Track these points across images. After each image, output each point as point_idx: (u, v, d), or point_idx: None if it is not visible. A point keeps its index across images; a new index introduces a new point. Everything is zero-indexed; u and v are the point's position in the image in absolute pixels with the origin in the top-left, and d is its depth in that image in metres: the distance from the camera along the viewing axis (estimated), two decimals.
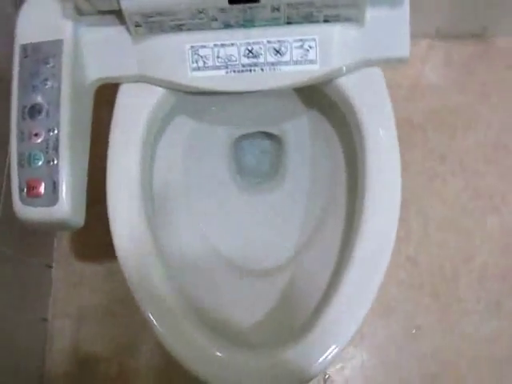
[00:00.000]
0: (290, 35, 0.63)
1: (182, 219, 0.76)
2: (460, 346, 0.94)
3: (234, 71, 0.64)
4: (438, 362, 0.93)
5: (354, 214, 0.64)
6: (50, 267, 1.02)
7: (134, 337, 0.98)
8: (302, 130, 0.80)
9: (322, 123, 0.78)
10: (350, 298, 0.60)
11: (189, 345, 0.60)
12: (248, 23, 0.63)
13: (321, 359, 0.58)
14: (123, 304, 0.99)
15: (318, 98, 0.74)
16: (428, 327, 0.95)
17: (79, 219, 0.62)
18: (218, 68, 0.64)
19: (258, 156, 0.85)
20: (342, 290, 0.60)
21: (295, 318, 0.67)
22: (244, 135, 0.82)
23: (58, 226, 0.63)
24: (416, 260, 0.97)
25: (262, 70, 0.64)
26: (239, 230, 0.79)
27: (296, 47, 0.64)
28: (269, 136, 0.84)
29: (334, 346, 0.59)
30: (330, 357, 0.59)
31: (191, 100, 0.72)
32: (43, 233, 1.00)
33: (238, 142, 0.83)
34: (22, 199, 0.60)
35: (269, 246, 0.77)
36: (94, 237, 1.01)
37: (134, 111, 0.66)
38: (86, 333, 0.99)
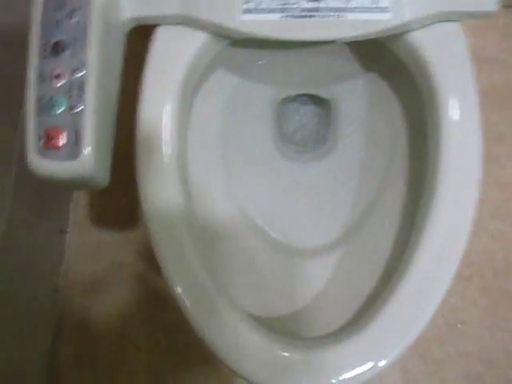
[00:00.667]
0: None
1: (217, 185, 0.67)
2: (509, 345, 0.85)
3: (292, 16, 0.55)
4: (484, 360, 0.84)
5: (421, 192, 0.55)
6: (64, 233, 0.94)
7: (151, 313, 0.90)
8: (356, 94, 0.70)
9: (381, 87, 0.68)
10: (418, 292, 0.51)
11: (220, 328, 0.52)
12: None
13: (373, 363, 0.50)
14: (141, 277, 0.91)
15: (380, 56, 0.65)
16: (474, 323, 0.86)
17: (103, 177, 0.54)
18: (272, 11, 0.55)
19: (305, 121, 0.76)
20: (407, 283, 0.51)
21: (343, 306, 0.59)
22: (290, 97, 0.73)
23: (79, 184, 0.54)
24: (466, 249, 0.88)
25: (325, 16, 0.55)
26: (281, 201, 0.70)
27: None
28: (317, 100, 0.74)
29: (392, 348, 0.50)
30: (384, 361, 0.50)
31: (237, 50, 0.62)
32: (59, 193, 0.92)
33: (283, 104, 0.74)
34: (38, 150, 0.51)
35: (315, 221, 0.69)
36: (113, 201, 0.94)
37: (172, 58, 0.57)
38: (98, 305, 0.92)
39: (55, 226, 0.92)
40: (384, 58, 0.63)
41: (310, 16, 0.55)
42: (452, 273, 0.52)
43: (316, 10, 0.55)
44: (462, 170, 0.53)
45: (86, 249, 0.93)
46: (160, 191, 0.54)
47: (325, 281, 0.64)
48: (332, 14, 0.54)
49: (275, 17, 0.55)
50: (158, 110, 0.55)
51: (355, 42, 0.57)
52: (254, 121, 0.71)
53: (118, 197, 0.92)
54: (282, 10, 0.55)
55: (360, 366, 0.50)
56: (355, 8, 0.54)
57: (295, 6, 0.55)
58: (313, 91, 0.72)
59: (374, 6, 0.54)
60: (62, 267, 0.93)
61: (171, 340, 0.89)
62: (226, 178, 0.68)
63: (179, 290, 0.52)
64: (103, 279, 0.92)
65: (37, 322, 0.87)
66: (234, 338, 0.51)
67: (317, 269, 0.65)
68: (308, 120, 0.76)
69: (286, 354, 0.51)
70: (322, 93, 0.72)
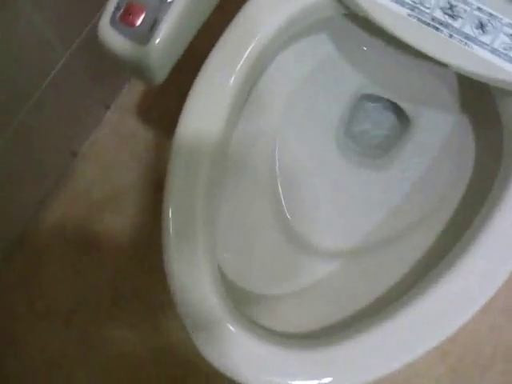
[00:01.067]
0: (508, 14, 0.49)
1: (261, 135, 0.64)
2: None
3: (419, 19, 0.50)
4: None
5: (455, 244, 0.51)
6: (108, 108, 0.93)
7: (144, 221, 0.89)
8: (439, 126, 0.66)
9: (466, 132, 0.63)
10: (406, 335, 0.47)
11: (186, 269, 0.49)
12: None
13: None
14: (151, 183, 0.90)
15: (482, 104, 0.60)
16: None
17: (161, 75, 0.52)
18: (402, 4, 0.50)
19: (376, 126, 0.71)
20: (397, 321, 0.47)
21: (318, 315, 0.57)
22: (374, 96, 0.69)
23: (134, 70, 0.52)
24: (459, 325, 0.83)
25: (451, 36, 0.50)
26: (312, 188, 0.67)
27: (506, 33, 0.49)
28: (399, 111, 0.69)
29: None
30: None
31: (348, 24, 0.58)
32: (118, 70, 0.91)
33: (363, 99, 0.70)
34: (112, 20, 0.50)
35: (336, 224, 0.65)
36: (166, 102, 0.92)
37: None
38: (104, 185, 0.91)
39: (102, 98, 0.91)
40: (484, 107, 0.58)
41: (437, 29, 0.50)
42: (454, 330, 0.47)
43: (446, 25, 0.50)
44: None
45: (117, 133, 0.92)
46: (207, 109, 0.52)
47: (315, 283, 0.61)
48: (459, 37, 0.50)
49: (402, 11, 0.50)
50: (247, 35, 0.52)
51: (466, 77, 0.52)
52: (328, 100, 0.67)
53: (172, 101, 0.90)
54: (413, 8, 0.50)
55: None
56: (486, 44, 0.49)
57: (428, 10, 0.50)
58: (400, 101, 0.68)
59: (505, 52, 0.49)
60: (90, 138, 0.92)
61: (153, 259, 0.88)
62: (273, 135, 0.65)
63: (170, 214, 0.50)
64: (119, 164, 0.91)
65: (44, 170, 0.87)
66: (195, 285, 0.49)
67: (314, 269, 0.63)
68: (380, 127, 0.71)
69: (232, 329, 0.48)
70: (407, 107, 0.67)
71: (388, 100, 0.69)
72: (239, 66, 0.51)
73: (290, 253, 0.64)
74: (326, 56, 0.65)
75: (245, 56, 0.52)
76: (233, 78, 0.51)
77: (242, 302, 0.54)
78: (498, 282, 0.48)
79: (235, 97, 0.52)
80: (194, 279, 0.49)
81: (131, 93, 0.94)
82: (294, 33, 0.56)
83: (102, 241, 0.90)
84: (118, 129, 0.93)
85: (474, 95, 0.61)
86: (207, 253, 0.50)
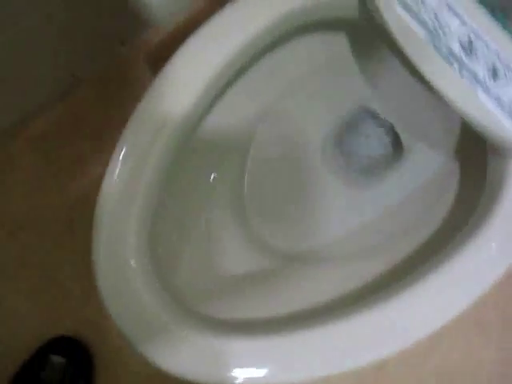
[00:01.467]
0: None
1: (238, 130, 0.62)
2: None
3: (434, 45, 0.48)
4: None
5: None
6: (122, 45, 0.91)
7: None
8: (428, 162, 0.63)
9: (451, 176, 0.61)
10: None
11: (111, 247, 0.47)
12: (501, 18, 0.47)
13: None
14: None
15: (474, 158, 0.57)
16: None
17: (161, 15, 0.50)
18: (423, 25, 0.48)
19: (367, 144, 0.68)
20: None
21: (256, 306, 0.54)
22: (374, 114, 0.66)
23: (138, 8, 0.50)
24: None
25: (460, 72, 0.47)
26: (283, 193, 0.64)
27: None
28: (397, 140, 0.67)
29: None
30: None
31: (369, 31, 0.56)
32: (143, 12, 0.89)
33: (362, 114, 0.67)
34: None
35: (300, 228, 0.63)
36: None
37: None
38: (98, 118, 0.90)
39: (119, 33, 0.89)
40: (476, 161, 0.56)
41: (448, 60, 0.47)
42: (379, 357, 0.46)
43: (458, 60, 0.47)
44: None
45: (123, 71, 0.90)
46: (183, 79, 0.49)
47: (257, 275, 0.59)
48: (468, 76, 0.47)
49: (420, 32, 0.48)
50: (253, 11, 0.50)
51: (468, 125, 0.49)
52: (327, 101, 0.64)
53: None
54: (430, 33, 0.48)
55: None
56: (491, 91, 0.47)
57: (445, 38, 0.47)
58: (398, 126, 0.65)
59: (508, 104, 0.46)
60: (95, 68, 0.90)
61: None
62: (255, 123, 0.62)
63: (106, 186, 0.48)
64: (116, 101, 0.89)
65: (41, 85, 0.85)
66: (120, 264, 0.46)
67: (258, 261, 0.61)
68: (372, 146, 0.68)
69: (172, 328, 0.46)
70: (403, 134, 0.65)
71: (388, 122, 0.66)
72: (235, 41, 0.49)
73: (240, 240, 0.62)
74: (338, 56, 0.62)
75: (243, 33, 0.49)
76: (223, 54, 0.49)
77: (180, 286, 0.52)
78: (432, 327, 0.46)
79: (219, 73, 0.49)
80: (121, 264, 0.46)
81: (150, 38, 0.91)
82: (307, 24, 0.53)
83: (77, 170, 0.88)
84: (126, 68, 0.91)
85: (470, 146, 0.58)
86: (138, 235, 0.47)
